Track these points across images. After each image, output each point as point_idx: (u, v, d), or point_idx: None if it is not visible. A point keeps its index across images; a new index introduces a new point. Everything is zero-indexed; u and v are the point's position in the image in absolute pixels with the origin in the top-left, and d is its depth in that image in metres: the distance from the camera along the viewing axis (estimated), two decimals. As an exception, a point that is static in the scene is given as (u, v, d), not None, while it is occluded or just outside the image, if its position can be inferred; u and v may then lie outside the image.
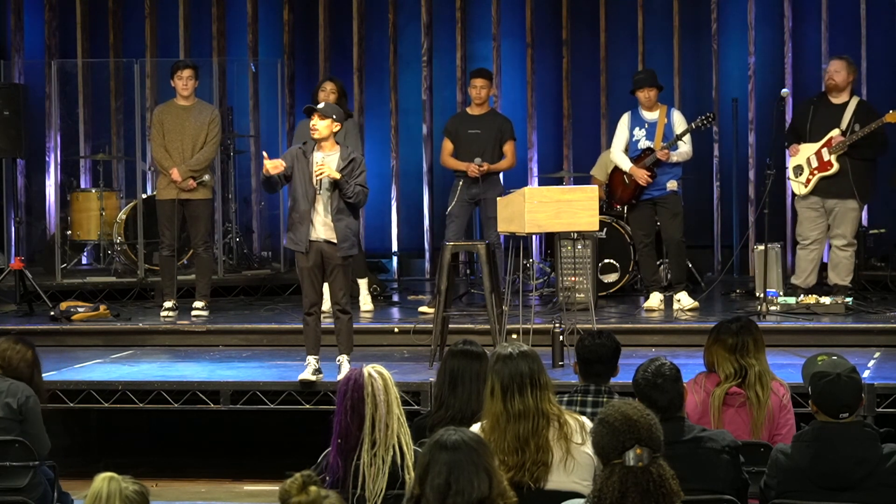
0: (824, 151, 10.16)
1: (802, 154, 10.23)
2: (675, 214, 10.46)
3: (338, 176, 8.02)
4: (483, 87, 10.68)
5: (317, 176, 8.05)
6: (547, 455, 4.97)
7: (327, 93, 10.61)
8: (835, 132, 10.16)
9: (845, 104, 10.22)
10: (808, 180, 10.22)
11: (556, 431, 5.00)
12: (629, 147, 10.53)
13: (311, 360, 8.30)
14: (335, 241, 8.11)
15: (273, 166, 8.02)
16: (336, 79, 11.03)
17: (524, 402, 5.00)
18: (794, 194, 10.45)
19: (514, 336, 8.67)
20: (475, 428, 5.14)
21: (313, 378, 8.30)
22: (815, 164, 10.20)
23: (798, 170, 10.24)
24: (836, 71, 10.24)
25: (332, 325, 8.44)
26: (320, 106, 8.21)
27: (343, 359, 8.29)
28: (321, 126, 8.07)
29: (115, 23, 13.96)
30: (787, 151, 10.59)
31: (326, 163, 8.06)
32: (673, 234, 10.49)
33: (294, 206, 8.21)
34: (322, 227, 8.13)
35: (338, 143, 8.21)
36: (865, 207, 12.64)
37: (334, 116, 8.11)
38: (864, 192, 10.20)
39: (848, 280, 10.33)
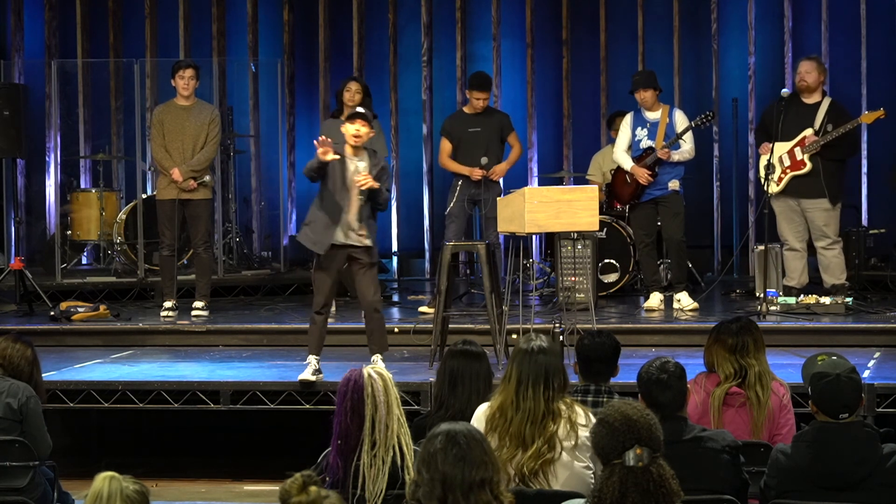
0: (797, 150, 10.16)
1: (774, 153, 10.23)
2: (676, 214, 10.46)
3: (377, 185, 7.98)
4: (486, 100, 10.68)
5: (361, 186, 7.96)
6: (553, 451, 5.06)
7: (353, 93, 10.60)
8: (808, 132, 10.16)
9: (818, 104, 10.23)
10: (780, 179, 10.22)
11: (564, 422, 5.10)
12: (632, 147, 10.55)
13: (312, 360, 8.30)
14: (365, 244, 8.11)
15: (323, 151, 7.86)
16: (360, 78, 11.08)
17: (535, 400, 5.12)
18: (766, 194, 10.43)
19: (514, 336, 8.67)
20: (484, 406, 5.27)
21: (313, 378, 8.30)
22: (787, 162, 10.20)
23: (769, 168, 10.23)
24: (808, 72, 10.24)
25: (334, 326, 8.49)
26: (363, 111, 8.13)
27: (377, 358, 8.24)
28: (364, 132, 8.00)
29: (115, 23, 13.96)
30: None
31: (362, 170, 8.00)
32: (673, 233, 10.49)
33: (323, 205, 8.09)
34: (351, 233, 8.09)
35: (364, 147, 8.14)
36: (864, 207, 12.68)
37: (371, 123, 8.09)
38: (835, 193, 10.19)
39: (843, 278, 10.32)
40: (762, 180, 10.28)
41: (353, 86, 10.70)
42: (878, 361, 8.69)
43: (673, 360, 5.28)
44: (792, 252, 10.39)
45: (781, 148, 10.18)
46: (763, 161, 10.30)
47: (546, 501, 4.86)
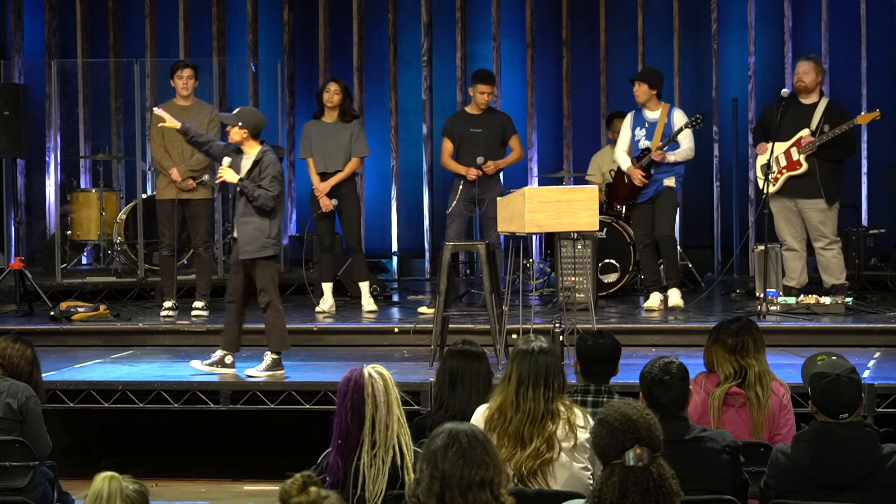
0: (793, 151, 10.16)
1: (772, 153, 10.22)
2: (666, 210, 10.45)
3: (234, 179, 8.23)
4: (491, 94, 10.71)
5: (217, 181, 8.38)
6: (551, 451, 5.09)
7: (331, 94, 10.66)
8: (804, 132, 10.16)
9: (815, 104, 10.22)
10: (777, 179, 10.22)
11: (563, 423, 5.14)
12: (632, 147, 10.55)
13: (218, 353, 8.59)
14: (241, 242, 8.34)
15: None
16: (340, 79, 11.06)
17: (535, 400, 5.17)
18: (763, 193, 10.41)
19: (514, 336, 8.67)
20: (483, 407, 5.30)
21: (206, 369, 8.50)
22: (783, 162, 10.20)
23: (766, 168, 10.23)
24: (805, 72, 10.24)
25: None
26: (235, 112, 8.37)
27: (268, 355, 8.54)
28: (233, 133, 8.32)
29: (115, 23, 13.96)
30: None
31: (244, 165, 8.28)
32: (662, 228, 10.47)
33: None
34: (237, 228, 8.39)
35: (261, 142, 8.35)
36: (864, 207, 12.68)
37: (240, 124, 8.26)
38: (832, 193, 10.18)
39: (843, 278, 10.32)
40: (759, 180, 10.28)
41: (332, 87, 10.74)
42: (878, 361, 8.69)
43: (677, 361, 5.26)
44: (791, 252, 10.39)
45: (779, 148, 10.19)
46: (760, 161, 10.31)
47: (546, 502, 4.86)
